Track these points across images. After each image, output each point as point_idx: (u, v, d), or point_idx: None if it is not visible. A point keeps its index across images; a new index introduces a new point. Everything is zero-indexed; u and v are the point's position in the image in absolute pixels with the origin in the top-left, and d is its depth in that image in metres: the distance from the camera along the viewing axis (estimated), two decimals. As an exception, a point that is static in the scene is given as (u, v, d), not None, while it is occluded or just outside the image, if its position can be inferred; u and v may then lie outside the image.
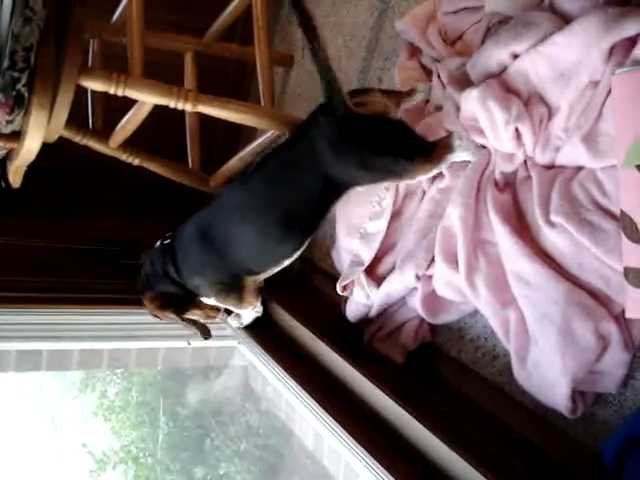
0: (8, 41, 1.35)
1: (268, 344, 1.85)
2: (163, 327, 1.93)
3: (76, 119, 1.68)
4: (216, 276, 1.65)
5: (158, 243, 1.70)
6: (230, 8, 1.95)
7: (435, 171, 1.51)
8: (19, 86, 1.35)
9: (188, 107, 1.59)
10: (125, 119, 1.69)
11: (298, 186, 1.50)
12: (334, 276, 1.87)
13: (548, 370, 1.34)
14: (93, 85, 1.52)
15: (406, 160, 1.46)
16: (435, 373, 1.67)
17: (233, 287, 1.67)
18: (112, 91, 1.54)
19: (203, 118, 1.81)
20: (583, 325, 1.29)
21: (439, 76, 1.65)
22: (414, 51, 1.78)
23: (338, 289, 1.78)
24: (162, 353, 2.00)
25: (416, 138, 1.50)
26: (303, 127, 1.50)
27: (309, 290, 2.03)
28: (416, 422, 1.46)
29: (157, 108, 1.66)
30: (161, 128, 1.94)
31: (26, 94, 1.37)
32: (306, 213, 1.54)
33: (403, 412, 1.49)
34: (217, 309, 1.75)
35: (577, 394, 1.32)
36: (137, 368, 2.06)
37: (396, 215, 1.74)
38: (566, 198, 1.35)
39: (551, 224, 1.37)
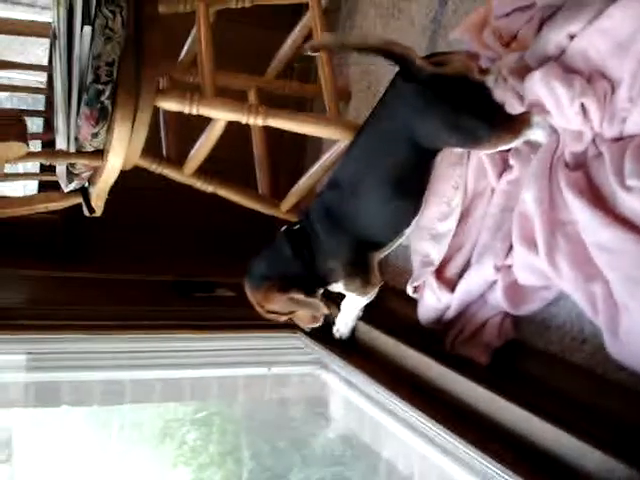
0: (90, 61, 1.45)
1: (354, 358, 1.86)
2: (243, 353, 1.95)
3: (151, 149, 1.77)
4: (349, 256, 1.66)
5: (282, 229, 1.71)
6: (287, 44, 2.05)
7: (513, 143, 1.55)
8: (103, 98, 1.44)
9: (259, 121, 1.66)
10: (199, 142, 1.76)
11: (393, 154, 1.55)
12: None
13: (642, 333, 1.32)
14: (169, 105, 1.60)
15: (489, 125, 1.50)
16: (523, 371, 1.64)
17: (362, 267, 1.69)
18: (187, 110, 1.61)
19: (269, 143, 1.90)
20: (672, 280, 1.27)
21: (499, 73, 1.69)
22: (471, 58, 1.82)
23: (409, 290, 1.80)
24: (242, 382, 2.01)
25: (498, 105, 1.54)
26: (383, 97, 1.55)
27: (385, 310, 2.03)
28: (511, 405, 1.45)
29: (224, 136, 1.74)
30: (229, 157, 2.02)
31: (110, 107, 1.46)
32: (410, 178, 1.59)
33: (495, 397, 1.48)
34: (328, 307, 1.74)
35: (675, 356, 1.30)
36: (217, 398, 2.06)
37: (465, 215, 1.76)
38: (639, 162, 1.36)
39: (627, 188, 1.36)
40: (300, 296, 1.65)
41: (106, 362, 1.81)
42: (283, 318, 1.73)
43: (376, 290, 1.76)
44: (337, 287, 1.73)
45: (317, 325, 1.77)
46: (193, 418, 2.32)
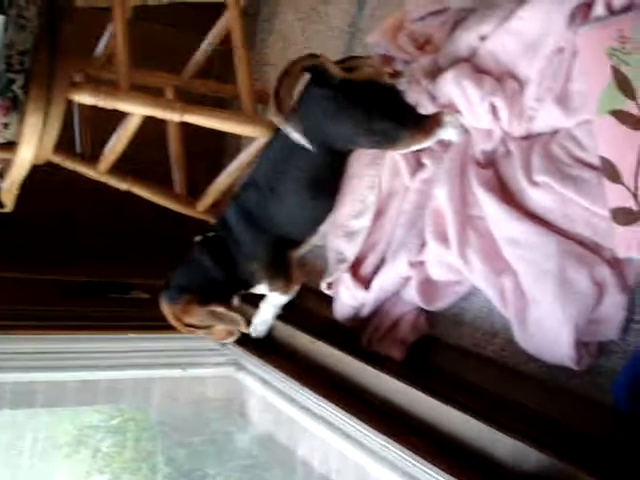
0: (2, 50, 1.41)
1: (271, 357, 1.86)
2: (157, 355, 1.92)
3: (65, 145, 1.74)
4: (269, 256, 1.68)
5: (197, 239, 1.70)
6: (205, 44, 2.05)
7: (426, 143, 1.59)
8: (15, 87, 1.41)
9: (176, 117, 1.65)
10: (113, 138, 1.74)
11: (308, 156, 1.56)
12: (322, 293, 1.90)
13: (550, 324, 1.36)
14: (83, 97, 1.58)
15: (401, 126, 1.54)
16: (437, 365, 1.67)
17: (283, 266, 1.70)
18: (101, 103, 1.59)
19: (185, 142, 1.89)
20: (578, 273, 1.32)
21: (413, 75, 1.74)
22: (387, 60, 1.86)
23: (322, 287, 1.83)
24: (157, 384, 1.98)
25: (409, 107, 1.58)
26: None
27: (302, 310, 2.04)
28: (426, 397, 1.47)
29: (140, 135, 1.73)
30: (144, 155, 2.00)
31: (22, 97, 1.43)
32: (325, 177, 1.63)
33: (411, 389, 1.50)
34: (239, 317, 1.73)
35: (580, 345, 1.34)
36: (132, 402, 2.02)
37: (379, 214, 1.79)
38: (546, 158, 1.41)
39: (535, 184, 1.42)
40: (221, 309, 1.66)
41: (17, 363, 1.75)
42: (199, 332, 1.72)
43: (297, 287, 1.77)
44: (260, 289, 1.74)
45: (231, 340, 1.77)
46: (108, 425, 2.27)
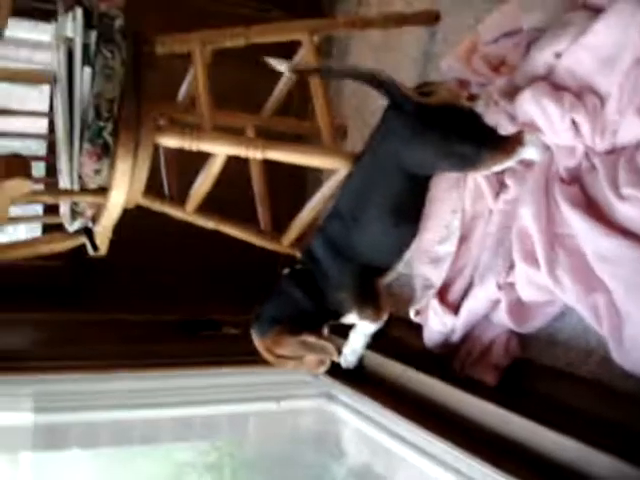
0: (91, 99, 1.49)
1: (363, 387, 1.86)
2: (250, 389, 1.95)
3: (153, 188, 1.80)
4: (357, 285, 1.68)
5: (285, 271, 1.73)
6: (282, 82, 2.10)
7: (508, 163, 1.58)
8: (105, 134, 1.48)
9: (258, 154, 1.69)
10: (199, 179, 1.79)
11: (388, 183, 1.58)
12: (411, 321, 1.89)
13: (646, 339, 1.33)
14: (169, 141, 1.63)
15: (481, 148, 1.53)
16: (532, 388, 1.64)
17: (371, 294, 1.70)
18: (187, 146, 1.65)
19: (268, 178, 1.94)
20: (672, 284, 1.29)
21: (490, 97, 1.73)
22: (462, 85, 1.86)
23: (411, 314, 1.82)
24: (252, 418, 2.00)
25: (489, 128, 1.58)
26: (375, 129, 1.58)
27: (391, 339, 2.04)
28: (523, 420, 1.45)
29: (224, 175, 1.78)
30: (229, 195, 2.05)
31: (111, 143, 1.50)
32: (407, 203, 1.63)
33: (506, 414, 1.48)
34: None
35: (680, 360, 1.30)
36: (228, 437, 2.05)
37: (465, 238, 1.78)
38: (633, 171, 1.38)
39: (622, 197, 1.39)
40: (312, 338, 1.66)
41: (114, 402, 1.81)
42: (291, 364, 1.73)
43: (387, 315, 1.77)
44: (350, 318, 1.74)
45: (324, 370, 1.76)
46: (205, 461, 2.31)
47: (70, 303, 2.26)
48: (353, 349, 1.86)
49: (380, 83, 1.54)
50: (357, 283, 1.67)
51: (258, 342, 1.69)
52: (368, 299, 1.69)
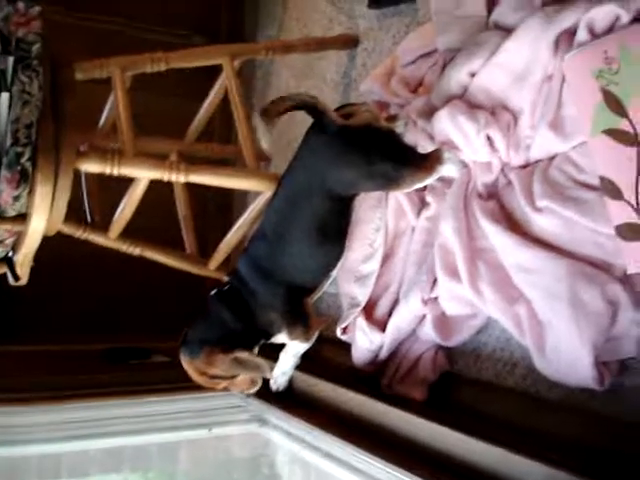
0: (9, 126, 1.46)
1: (294, 409, 1.86)
2: (181, 416, 1.92)
3: (74, 215, 1.78)
4: (285, 305, 1.67)
5: (213, 292, 1.70)
6: (204, 107, 2.10)
7: (428, 180, 1.60)
8: (23, 160, 1.45)
9: (181, 177, 1.69)
10: (122, 204, 1.78)
11: (312, 204, 1.58)
12: (339, 341, 1.91)
13: (568, 347, 1.35)
14: (89, 166, 1.62)
15: (402, 166, 1.55)
16: (460, 400, 1.66)
17: (300, 313, 1.69)
18: (108, 170, 1.63)
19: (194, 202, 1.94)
20: (590, 292, 1.32)
21: (409, 117, 1.77)
22: (382, 107, 1.91)
23: (338, 332, 1.84)
24: (184, 446, 1.97)
25: (408, 147, 1.61)
26: (298, 150, 1.60)
27: (321, 359, 2.04)
28: (452, 432, 1.47)
29: (147, 199, 1.77)
30: (152, 221, 2.04)
31: (30, 169, 1.47)
32: (332, 223, 1.63)
33: (437, 427, 1.50)
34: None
35: (601, 365, 1.33)
36: (159, 464, 2.01)
37: (389, 256, 1.81)
38: (547, 183, 1.43)
39: (538, 210, 1.44)
40: (245, 355, 1.64)
41: (40, 435, 1.75)
42: (223, 384, 1.70)
43: (317, 333, 1.77)
44: (281, 338, 1.73)
45: (255, 389, 1.74)
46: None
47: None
48: (283, 371, 1.86)
49: (305, 104, 1.56)
50: (285, 303, 1.67)
51: (188, 364, 1.66)
52: (297, 319, 1.70)
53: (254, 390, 1.74)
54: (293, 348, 1.78)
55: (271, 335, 1.71)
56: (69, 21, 2.42)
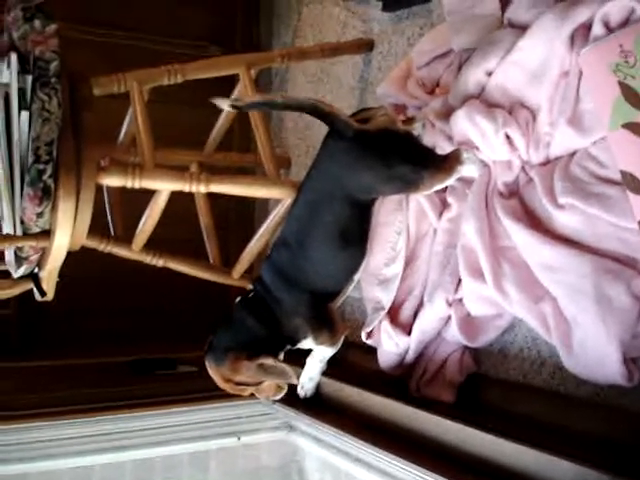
0: (30, 144, 1.48)
1: (322, 415, 1.85)
2: (210, 425, 1.93)
3: (97, 229, 1.80)
4: (309, 310, 1.67)
5: (237, 300, 1.71)
6: (222, 117, 2.11)
7: (448, 181, 1.60)
8: (45, 177, 1.47)
9: (202, 188, 1.70)
10: (144, 216, 1.79)
11: (332, 210, 1.58)
12: (365, 345, 1.90)
13: (595, 344, 1.34)
14: (111, 180, 1.63)
15: (422, 168, 1.55)
16: (488, 402, 1.65)
17: (325, 318, 1.70)
18: (129, 184, 1.64)
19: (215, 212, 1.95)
20: (615, 288, 1.31)
21: (426, 119, 1.77)
22: (399, 109, 1.90)
23: (363, 337, 1.84)
24: (213, 456, 1.97)
25: (427, 149, 1.61)
26: (316, 157, 1.60)
27: (347, 364, 2.04)
28: (480, 433, 1.46)
29: (169, 211, 1.78)
30: (176, 234, 2.05)
31: (52, 185, 1.49)
32: (353, 228, 1.62)
33: (465, 428, 1.49)
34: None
35: (629, 361, 1.32)
36: (189, 474, 2.02)
37: (411, 259, 1.80)
38: (568, 180, 1.42)
39: (560, 207, 1.43)
40: (270, 361, 1.63)
41: (72, 449, 1.77)
42: (249, 390, 1.70)
43: (342, 338, 1.77)
44: (306, 343, 1.73)
45: (281, 395, 1.74)
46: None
47: (20, 351, 2.22)
48: (310, 377, 1.86)
49: (320, 112, 1.56)
50: (310, 308, 1.67)
51: (214, 371, 1.66)
52: (322, 323, 1.70)
53: (280, 396, 1.74)
54: (319, 353, 1.78)
55: (297, 341, 1.71)
56: (84, 37, 2.44)
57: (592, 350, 1.36)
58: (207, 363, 1.67)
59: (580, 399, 1.46)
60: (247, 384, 1.68)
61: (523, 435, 1.42)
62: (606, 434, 1.39)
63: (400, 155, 1.55)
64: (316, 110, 1.56)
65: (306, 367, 1.84)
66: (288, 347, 1.71)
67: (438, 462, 1.53)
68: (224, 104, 1.59)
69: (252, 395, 1.73)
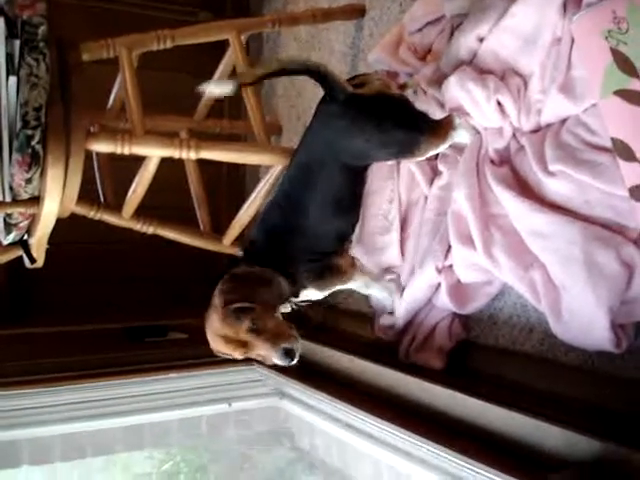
0: (18, 110, 1.47)
1: (313, 381, 1.87)
2: (201, 392, 1.94)
3: (87, 196, 1.79)
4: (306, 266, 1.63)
5: (238, 253, 1.69)
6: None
7: (441, 147, 1.60)
8: (33, 143, 1.46)
9: (192, 154, 1.69)
10: (134, 183, 1.78)
11: (326, 176, 1.56)
12: (358, 313, 1.91)
13: (584, 310, 1.35)
14: (100, 146, 1.62)
15: (418, 133, 1.54)
16: (478, 368, 1.67)
17: (324, 267, 1.67)
18: (119, 150, 1.63)
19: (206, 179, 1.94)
20: (605, 255, 1.32)
21: (418, 85, 1.76)
22: (391, 76, 1.89)
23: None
24: (204, 422, 1.99)
25: (422, 114, 1.60)
26: (310, 122, 1.58)
27: (338, 332, 2.05)
28: (470, 398, 1.48)
29: (159, 178, 1.77)
30: (167, 201, 2.05)
31: (41, 151, 1.47)
32: (346, 193, 1.61)
33: (455, 394, 1.51)
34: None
35: (617, 327, 1.33)
36: (181, 442, 2.04)
37: (402, 227, 1.81)
38: (559, 147, 1.42)
39: (551, 174, 1.43)
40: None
41: (64, 415, 1.78)
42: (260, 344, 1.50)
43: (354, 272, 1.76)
44: (309, 293, 1.66)
45: (298, 343, 1.47)
46: (160, 471, 2.29)
47: (10, 318, 2.22)
48: (382, 295, 1.86)
49: (317, 74, 1.54)
50: (306, 265, 1.64)
51: (229, 328, 1.46)
52: (322, 273, 1.67)
53: (297, 344, 1.49)
54: (358, 285, 1.79)
55: (301, 289, 1.64)
56: (73, 2, 2.41)
57: (581, 316, 1.37)
58: (223, 323, 1.47)
59: (569, 365, 1.47)
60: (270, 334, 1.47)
61: (512, 401, 1.44)
62: (595, 400, 1.40)
63: (396, 119, 1.54)
64: (312, 71, 1.54)
65: (375, 293, 1.86)
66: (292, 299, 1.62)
67: (428, 427, 1.55)
68: (229, 87, 1.56)
69: (246, 360, 1.66)
